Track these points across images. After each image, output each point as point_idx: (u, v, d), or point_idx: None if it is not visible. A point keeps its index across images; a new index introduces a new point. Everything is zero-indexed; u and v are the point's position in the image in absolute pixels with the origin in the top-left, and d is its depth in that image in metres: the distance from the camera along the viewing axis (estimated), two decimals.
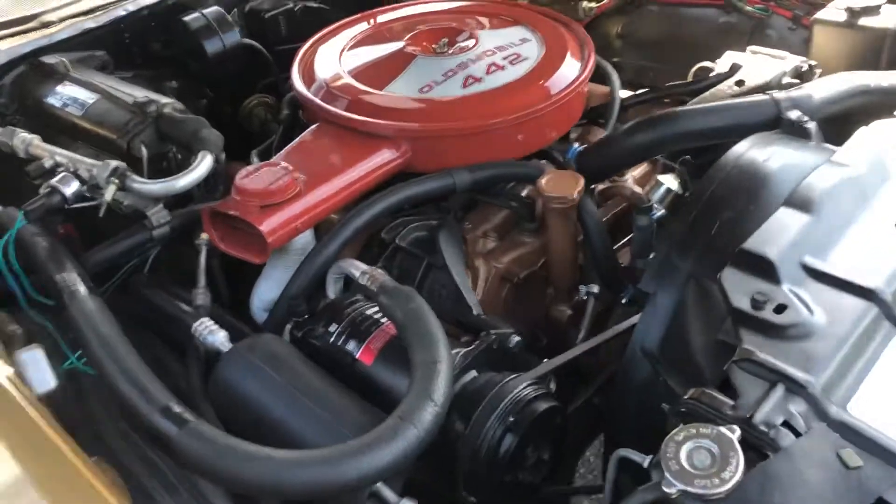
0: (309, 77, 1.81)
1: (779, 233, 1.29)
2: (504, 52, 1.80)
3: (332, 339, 1.37)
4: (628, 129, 1.66)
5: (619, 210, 1.78)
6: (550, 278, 1.71)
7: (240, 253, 1.47)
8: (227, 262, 1.59)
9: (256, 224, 1.40)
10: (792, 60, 1.91)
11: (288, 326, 1.45)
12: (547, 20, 1.97)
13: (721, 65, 1.99)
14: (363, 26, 2.00)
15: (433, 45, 1.83)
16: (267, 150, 1.80)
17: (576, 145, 1.72)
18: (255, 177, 1.44)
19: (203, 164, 1.46)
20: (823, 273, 1.22)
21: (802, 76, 1.91)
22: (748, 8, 2.34)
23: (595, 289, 1.61)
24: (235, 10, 2.03)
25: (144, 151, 1.54)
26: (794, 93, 1.64)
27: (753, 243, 1.26)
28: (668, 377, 1.26)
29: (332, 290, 1.48)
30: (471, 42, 1.82)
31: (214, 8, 1.91)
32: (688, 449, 0.98)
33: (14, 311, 1.35)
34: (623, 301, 1.69)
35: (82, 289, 1.28)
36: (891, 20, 2.05)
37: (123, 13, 1.86)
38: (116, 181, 1.41)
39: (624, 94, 2.00)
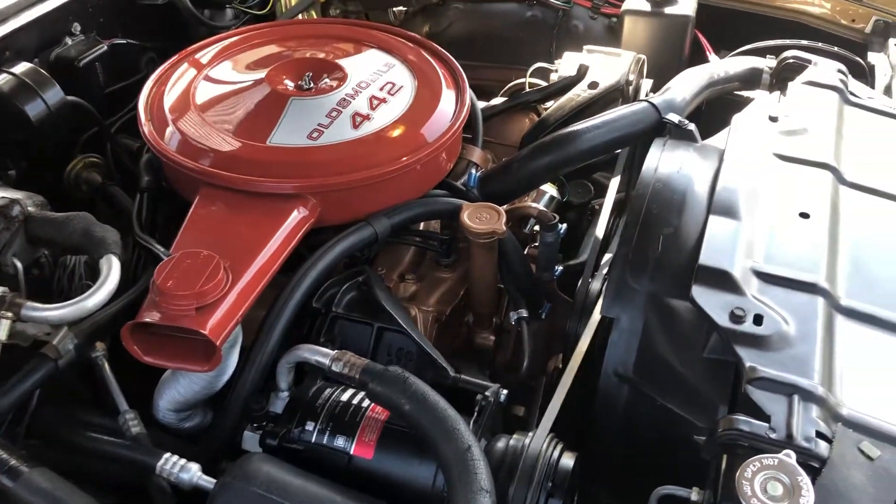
0: (165, 133, 1.58)
1: (721, 243, 1.38)
2: (377, 81, 1.70)
3: (314, 439, 1.25)
4: (528, 154, 1.67)
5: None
6: (472, 307, 1.69)
7: (176, 363, 1.27)
8: None
9: (200, 330, 1.21)
10: (626, 56, 2.03)
11: (250, 434, 1.29)
12: (392, 39, 1.89)
13: (563, 65, 2.06)
14: (197, 65, 1.77)
15: (298, 82, 1.68)
16: (139, 221, 1.54)
17: (473, 171, 1.70)
18: (179, 276, 1.24)
19: (113, 273, 1.23)
20: (772, 275, 1.33)
21: (640, 71, 2.04)
22: (552, 0, 2.44)
23: (524, 312, 1.62)
24: (36, 60, 1.70)
25: (19, 266, 1.25)
26: (665, 95, 1.75)
27: (708, 258, 1.34)
28: (663, 399, 1.31)
29: (286, 382, 1.33)
30: (339, 74, 1.70)
31: (24, 63, 1.58)
32: (760, 483, 1.04)
33: None
34: (542, 316, 1.72)
35: (16, 462, 1.03)
36: (688, 8, 2.26)
37: None
38: (9, 314, 1.14)
39: (480, 103, 1.99)
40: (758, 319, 1.25)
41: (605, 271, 1.78)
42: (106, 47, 1.79)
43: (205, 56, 1.81)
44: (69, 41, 1.76)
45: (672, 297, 1.37)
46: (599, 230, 1.82)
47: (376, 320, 1.44)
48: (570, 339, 1.66)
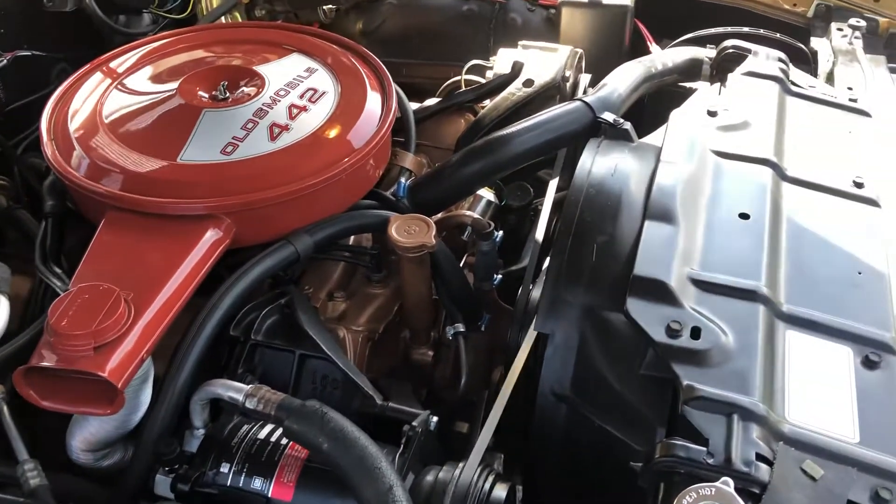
0: (70, 154, 1.47)
1: (657, 251, 1.32)
2: (297, 88, 1.61)
3: (229, 482, 1.16)
4: (460, 160, 1.59)
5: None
6: (407, 323, 1.61)
7: (76, 407, 1.17)
8: None
9: (98, 372, 1.12)
10: (563, 51, 1.96)
11: (162, 478, 1.20)
12: (316, 41, 1.79)
13: (498, 62, 1.98)
14: (104, 76, 1.67)
15: (213, 92, 1.58)
16: (43, 250, 1.44)
17: (403, 180, 1.61)
18: (74, 313, 1.15)
19: (2, 313, 1.13)
20: (710, 283, 1.27)
21: (578, 65, 1.97)
22: None
23: (461, 327, 1.55)
24: None
25: None
26: (600, 93, 1.68)
27: (643, 268, 1.28)
28: (600, 421, 1.24)
29: (200, 420, 1.25)
30: (257, 82, 1.61)
31: None
32: None
33: None
34: (482, 328, 1.65)
35: None
36: None
37: None
38: None
39: (413, 105, 1.91)
40: (695, 333, 1.19)
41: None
42: (6, 61, 1.67)
43: (116, 67, 1.70)
44: None
45: (608, 309, 1.30)
46: (540, 233, 1.76)
47: (299, 346, 1.36)
48: (511, 350, 1.60)
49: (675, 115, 1.63)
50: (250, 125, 1.50)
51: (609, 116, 1.59)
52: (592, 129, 1.61)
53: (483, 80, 2.01)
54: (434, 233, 1.44)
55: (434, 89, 2.15)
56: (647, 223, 1.36)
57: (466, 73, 2.03)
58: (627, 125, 1.58)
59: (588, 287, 1.32)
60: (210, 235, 1.36)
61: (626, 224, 1.38)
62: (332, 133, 1.52)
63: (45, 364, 1.13)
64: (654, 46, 2.23)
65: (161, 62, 1.71)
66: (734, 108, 1.65)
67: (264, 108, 1.54)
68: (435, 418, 1.25)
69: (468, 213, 1.69)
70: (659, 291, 1.24)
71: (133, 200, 1.36)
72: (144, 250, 1.33)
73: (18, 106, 1.74)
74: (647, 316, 1.21)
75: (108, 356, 1.14)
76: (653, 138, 1.64)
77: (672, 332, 1.18)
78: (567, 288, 1.32)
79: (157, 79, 1.66)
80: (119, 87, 1.63)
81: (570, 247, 1.35)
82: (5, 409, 1.22)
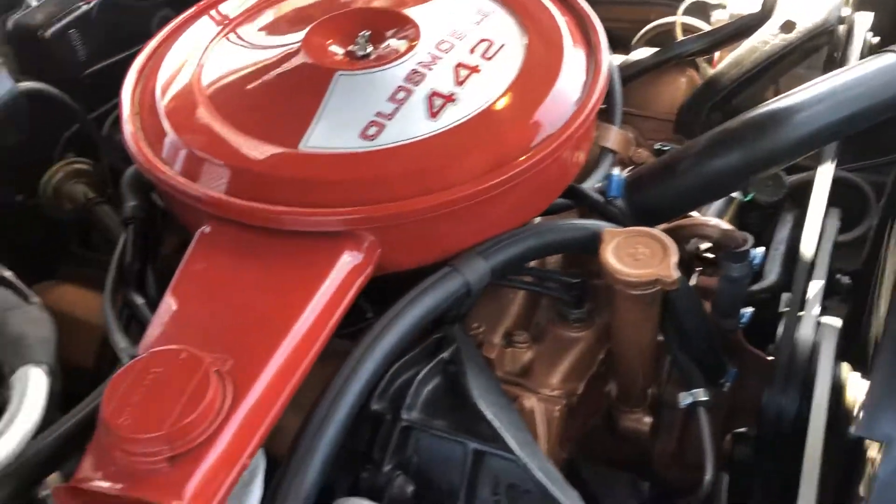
0: (156, 135, 1.07)
1: None
2: (466, 39, 1.13)
3: None
4: (706, 148, 1.06)
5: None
6: (616, 377, 1.14)
7: None
8: None
9: (172, 502, 0.71)
10: None
11: None
12: None
13: None
14: (211, 25, 1.25)
15: (351, 47, 1.13)
16: (120, 271, 1.06)
17: (615, 172, 1.12)
18: (140, 400, 0.74)
19: (30, 401, 0.74)
20: None
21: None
22: None
23: (703, 395, 1.05)
24: None
25: None
26: None
27: None
28: None
29: None
30: (409, 31, 1.14)
31: None
32: None
33: None
34: (724, 388, 1.16)
35: None
36: None
37: None
38: None
39: (616, 58, 1.39)
40: None
41: (815, 308, 1.19)
42: (85, 7, 1.28)
43: (228, 11, 1.28)
44: (33, 2, 1.26)
45: None
46: (809, 243, 1.23)
47: (472, 434, 0.90)
48: (767, 420, 1.11)
49: None
50: (401, 95, 1.04)
51: None
52: None
53: (708, 27, 1.47)
54: (675, 260, 0.94)
55: (628, 38, 1.63)
56: None
57: (684, 14, 1.50)
58: None
59: None
60: (346, 261, 0.92)
61: None
62: (521, 105, 1.04)
63: (93, 486, 0.72)
64: None
65: (286, 3, 1.28)
66: None
67: (420, 69, 1.07)
68: None
69: (712, 220, 1.16)
70: None
71: (232, 207, 0.93)
72: (252, 287, 0.90)
73: (106, 66, 1.34)
74: None
75: (189, 472, 0.72)
76: None
77: None
78: None
79: (278, 27, 1.23)
80: (228, 40, 1.21)
81: None
82: None
